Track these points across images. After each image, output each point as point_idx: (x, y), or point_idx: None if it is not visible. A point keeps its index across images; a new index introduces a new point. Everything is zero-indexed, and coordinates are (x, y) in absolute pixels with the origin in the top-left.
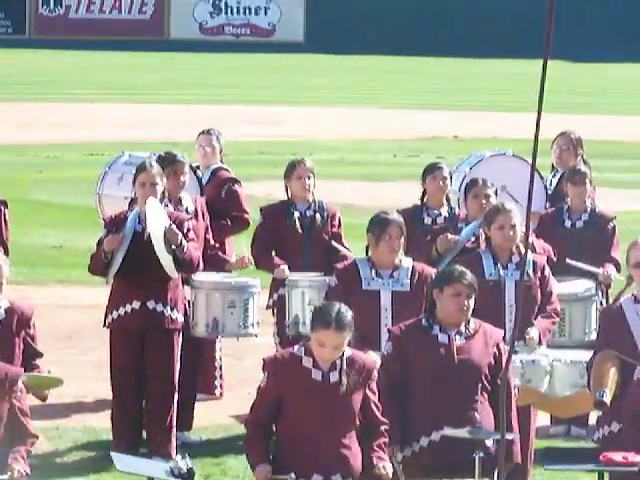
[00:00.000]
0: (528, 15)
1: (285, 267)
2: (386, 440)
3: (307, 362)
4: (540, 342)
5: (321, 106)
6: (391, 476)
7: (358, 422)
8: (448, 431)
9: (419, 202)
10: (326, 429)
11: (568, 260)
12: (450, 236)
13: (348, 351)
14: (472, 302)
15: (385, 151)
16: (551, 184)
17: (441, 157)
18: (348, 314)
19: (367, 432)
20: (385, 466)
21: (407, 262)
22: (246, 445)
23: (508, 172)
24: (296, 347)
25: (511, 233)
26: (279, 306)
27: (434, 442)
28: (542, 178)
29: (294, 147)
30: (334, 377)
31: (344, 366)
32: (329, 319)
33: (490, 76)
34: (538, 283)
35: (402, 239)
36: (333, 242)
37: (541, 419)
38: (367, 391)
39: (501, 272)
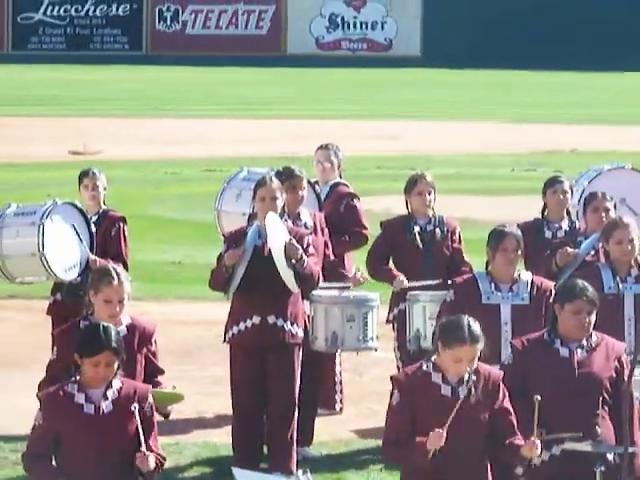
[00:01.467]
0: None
1: (403, 277)
2: (520, 442)
3: (436, 378)
4: None
5: (438, 120)
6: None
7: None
8: (569, 445)
9: (540, 216)
10: (456, 443)
11: None
12: (570, 250)
13: (474, 364)
14: (593, 317)
15: (502, 165)
16: None
17: (559, 171)
18: (477, 326)
19: (496, 439)
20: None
21: (526, 276)
22: (398, 458)
23: (627, 185)
24: (424, 363)
25: (629, 247)
26: (399, 320)
27: (555, 456)
28: None
29: (411, 162)
30: (463, 391)
31: (471, 379)
32: (463, 334)
33: (608, 89)
34: None
35: (519, 252)
36: None
37: None
38: (497, 403)
39: (620, 286)
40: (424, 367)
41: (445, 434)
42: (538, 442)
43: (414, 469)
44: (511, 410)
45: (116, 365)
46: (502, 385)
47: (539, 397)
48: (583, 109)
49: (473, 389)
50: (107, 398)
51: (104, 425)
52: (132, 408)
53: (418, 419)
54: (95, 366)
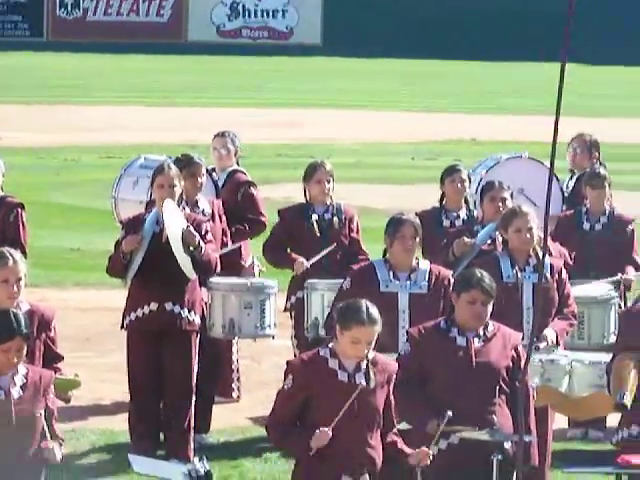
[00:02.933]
0: (547, 17)
1: (303, 259)
2: (399, 440)
3: (333, 364)
4: (557, 343)
5: (338, 109)
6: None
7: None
8: (466, 433)
9: (438, 205)
10: (352, 430)
11: (593, 282)
12: (466, 240)
13: (371, 353)
14: (489, 308)
15: (403, 154)
16: (568, 186)
17: (459, 160)
18: (375, 308)
19: (385, 433)
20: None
21: (424, 264)
22: (283, 443)
23: (525, 175)
24: (321, 349)
25: (528, 236)
26: (297, 309)
27: (452, 444)
28: (558, 181)
29: (311, 150)
30: (360, 378)
31: (369, 367)
32: (362, 315)
33: (507, 79)
34: (555, 286)
35: (417, 240)
36: None
37: (559, 422)
38: (389, 393)
39: (519, 275)
40: (321, 353)
41: (331, 433)
42: (431, 453)
43: (311, 456)
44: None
45: (24, 351)
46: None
47: (450, 414)
48: (484, 99)
49: (372, 375)
50: (15, 384)
51: (15, 411)
52: (41, 394)
53: (313, 404)
54: (6, 352)
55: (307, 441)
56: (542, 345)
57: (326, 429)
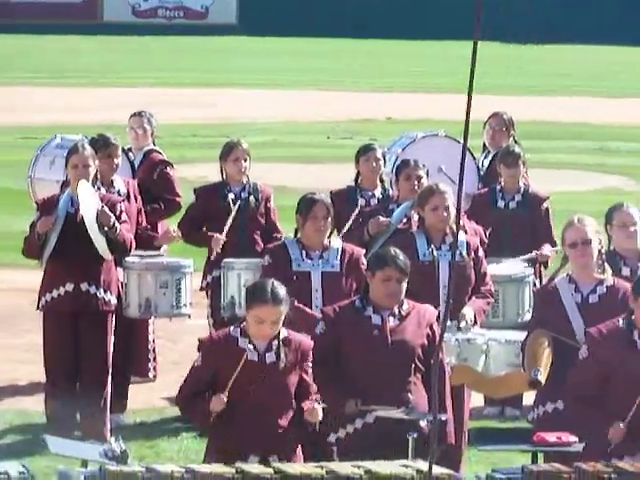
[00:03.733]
0: None
1: (219, 235)
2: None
3: (243, 343)
4: (475, 322)
5: (254, 88)
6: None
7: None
8: (382, 412)
9: (353, 184)
10: (263, 410)
11: (506, 260)
12: (382, 219)
13: (284, 331)
14: (404, 286)
15: (319, 133)
16: (483, 165)
17: (374, 139)
18: (282, 289)
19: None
20: (315, 408)
21: (337, 243)
22: (188, 413)
23: (441, 153)
24: (232, 328)
25: (445, 214)
26: (213, 288)
27: (368, 423)
28: (474, 159)
29: (227, 129)
30: (270, 357)
31: (280, 346)
32: (265, 294)
33: (422, 58)
34: (472, 264)
35: (329, 219)
36: None
37: (475, 400)
38: (303, 373)
39: (435, 253)
40: (232, 332)
41: (226, 399)
42: (320, 408)
43: (220, 435)
44: (311, 383)
45: None
46: (310, 356)
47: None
48: (398, 77)
49: (283, 355)
50: None
51: None
52: None
53: (222, 383)
54: None
55: (207, 408)
56: (462, 324)
57: (222, 395)
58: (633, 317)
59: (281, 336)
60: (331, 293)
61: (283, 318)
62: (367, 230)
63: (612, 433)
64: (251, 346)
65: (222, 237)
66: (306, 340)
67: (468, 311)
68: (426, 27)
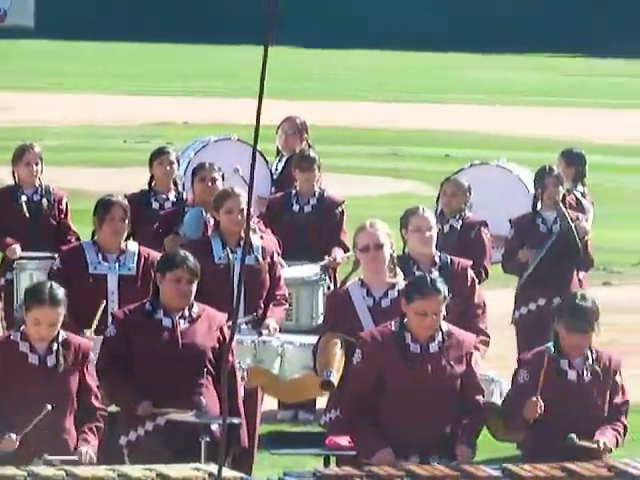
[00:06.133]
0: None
1: (17, 246)
2: (99, 425)
3: (24, 347)
4: (279, 329)
5: (50, 92)
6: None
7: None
8: (173, 415)
9: (147, 187)
10: (46, 415)
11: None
12: (176, 236)
13: (63, 334)
14: (194, 287)
15: (114, 137)
16: (277, 169)
17: (171, 143)
18: (60, 290)
19: (81, 416)
20: (88, 451)
21: (133, 246)
22: None
23: (234, 156)
24: (13, 332)
25: (239, 217)
26: (6, 290)
27: (159, 426)
28: (267, 162)
29: (23, 133)
30: (51, 361)
31: (60, 349)
32: (43, 296)
33: (216, 62)
34: (267, 268)
35: (126, 222)
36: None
37: (268, 404)
38: (84, 375)
39: (230, 256)
40: (12, 336)
41: (17, 442)
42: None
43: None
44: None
45: None
46: (90, 357)
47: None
48: (193, 81)
49: (62, 358)
50: None
51: None
52: None
53: (5, 388)
54: None
55: None
56: (265, 332)
57: (12, 435)
58: (405, 320)
59: (60, 339)
60: (127, 296)
61: (62, 320)
62: (163, 248)
63: (378, 458)
64: (32, 350)
65: (19, 251)
66: (85, 342)
67: (271, 322)
68: (213, 31)
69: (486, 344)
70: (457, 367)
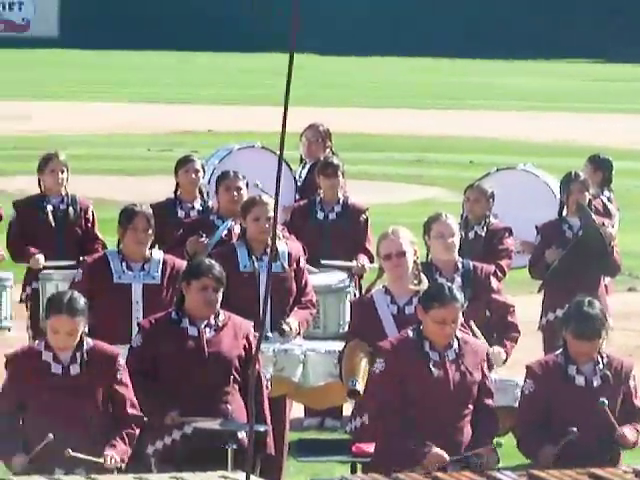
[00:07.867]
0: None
1: (40, 256)
2: (131, 431)
3: (47, 356)
4: (299, 333)
5: (75, 101)
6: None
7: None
8: (200, 424)
9: (172, 196)
10: (71, 423)
11: (322, 261)
12: (199, 238)
13: (89, 342)
14: (219, 295)
15: (139, 145)
16: (300, 176)
17: (195, 151)
18: (81, 300)
19: (116, 425)
20: (113, 455)
21: (158, 255)
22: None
23: (258, 164)
24: (37, 342)
25: (267, 225)
26: (32, 299)
27: (186, 435)
28: (291, 170)
29: (48, 142)
30: (74, 370)
31: (84, 357)
32: (60, 305)
33: (239, 70)
34: (293, 275)
35: (149, 231)
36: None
37: (296, 411)
38: (114, 383)
39: (255, 264)
40: (36, 346)
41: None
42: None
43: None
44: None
45: None
46: (119, 364)
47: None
48: (217, 89)
49: (87, 366)
50: None
51: None
52: None
53: (29, 398)
54: None
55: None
56: (286, 328)
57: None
58: (422, 327)
59: (85, 347)
60: (151, 305)
61: (82, 329)
62: (185, 249)
63: (429, 458)
64: (55, 359)
65: (42, 262)
66: (113, 349)
67: (293, 322)
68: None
69: (515, 340)
70: (475, 374)
